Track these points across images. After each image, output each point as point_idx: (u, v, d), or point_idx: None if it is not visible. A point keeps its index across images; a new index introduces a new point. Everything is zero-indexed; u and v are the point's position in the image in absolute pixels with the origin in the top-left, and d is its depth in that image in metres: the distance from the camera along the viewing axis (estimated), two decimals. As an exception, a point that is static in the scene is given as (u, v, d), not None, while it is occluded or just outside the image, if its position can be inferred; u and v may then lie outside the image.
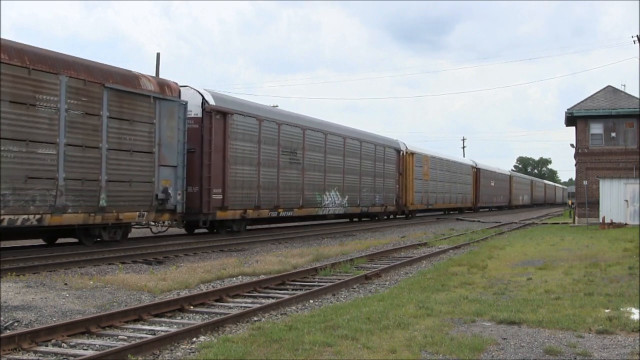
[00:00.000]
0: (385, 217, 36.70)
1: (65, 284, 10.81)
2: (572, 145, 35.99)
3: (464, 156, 74.65)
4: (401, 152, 37.00)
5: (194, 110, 19.79)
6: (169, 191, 17.73)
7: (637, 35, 33.75)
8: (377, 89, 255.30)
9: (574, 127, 35.55)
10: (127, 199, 16.35)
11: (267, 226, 26.29)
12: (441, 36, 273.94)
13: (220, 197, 20.31)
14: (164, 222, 19.27)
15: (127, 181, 16.30)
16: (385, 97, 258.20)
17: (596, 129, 33.34)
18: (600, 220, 29.37)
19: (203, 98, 20.03)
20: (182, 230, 22.51)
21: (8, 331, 7.54)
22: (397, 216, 38.95)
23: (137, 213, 16.73)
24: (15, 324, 7.95)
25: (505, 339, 7.08)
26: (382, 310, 8.68)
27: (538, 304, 9.09)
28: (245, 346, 6.63)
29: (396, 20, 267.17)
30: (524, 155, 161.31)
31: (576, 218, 34.97)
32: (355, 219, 34.23)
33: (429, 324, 7.82)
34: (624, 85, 41.45)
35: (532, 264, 14.54)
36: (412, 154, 38.73)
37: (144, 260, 14.90)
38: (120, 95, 16.09)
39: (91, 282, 11.15)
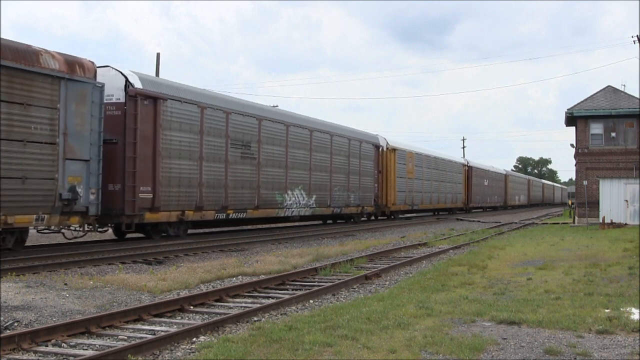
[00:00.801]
0: (365, 219, 34.36)
1: (65, 284, 10.81)
2: (572, 145, 36.01)
3: (463, 156, 73.82)
4: (380, 148, 34.12)
5: (116, 94, 17.11)
6: (78, 190, 14.97)
7: (637, 35, 33.80)
8: (378, 88, 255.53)
9: (574, 127, 35.58)
10: (20, 199, 13.70)
11: (213, 230, 24.19)
12: (442, 36, 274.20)
13: (150, 196, 17.61)
14: (82, 226, 16.09)
15: (19, 177, 13.61)
16: (386, 97, 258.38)
17: (596, 129, 33.35)
18: (600, 220, 29.37)
19: (127, 80, 17.24)
20: (106, 236, 19.76)
21: (8, 331, 7.55)
22: (379, 218, 36.58)
23: (35, 216, 14.06)
24: (15, 324, 7.95)
25: (505, 339, 7.09)
26: (382, 310, 8.68)
27: (538, 304, 9.10)
28: (245, 346, 6.63)
29: (397, 20, 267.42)
30: (524, 155, 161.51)
31: (576, 218, 34.97)
32: (329, 221, 32.20)
33: (429, 324, 7.82)
34: (624, 85, 41.55)
35: (532, 264, 14.55)
36: (394, 150, 35.79)
37: (144, 260, 14.90)
38: (11, 74, 13.46)
39: (91, 282, 11.15)
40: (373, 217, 35.74)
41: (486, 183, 58.78)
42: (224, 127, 20.84)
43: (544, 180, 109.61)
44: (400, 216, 39.60)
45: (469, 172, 53.13)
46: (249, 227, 26.06)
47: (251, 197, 22.21)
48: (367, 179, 32.17)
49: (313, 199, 26.42)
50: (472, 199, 53.74)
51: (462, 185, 51.40)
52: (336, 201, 28.80)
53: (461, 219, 41.25)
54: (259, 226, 26.83)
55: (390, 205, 35.26)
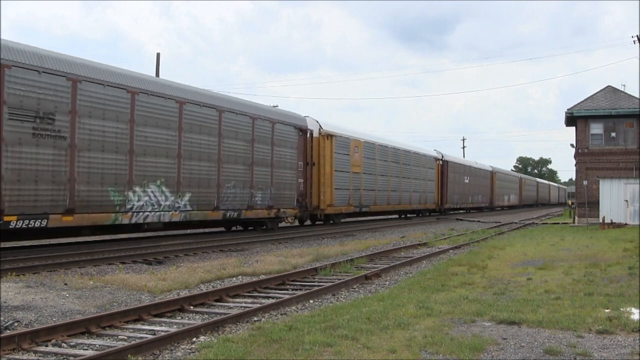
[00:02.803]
0: (291, 225, 28.06)
1: (65, 284, 10.81)
2: (572, 145, 36.02)
3: (463, 156, 72.90)
4: (309, 133, 26.36)
5: None
6: None
7: (637, 35, 33.81)
8: (378, 88, 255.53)
9: (574, 127, 35.59)
10: None
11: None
12: (442, 36, 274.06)
13: None
14: None
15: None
16: (386, 97, 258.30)
17: (596, 129, 33.37)
18: (600, 220, 29.37)
19: None
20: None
21: (8, 331, 7.55)
22: (316, 223, 29.72)
23: None
24: (15, 324, 7.95)
25: (505, 339, 7.09)
26: (382, 310, 8.68)
27: (538, 304, 9.10)
28: (245, 346, 6.63)
29: (397, 20, 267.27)
30: (524, 155, 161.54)
31: (576, 218, 34.97)
32: (222, 229, 24.45)
33: (429, 324, 7.82)
34: (624, 85, 41.53)
35: (532, 264, 14.55)
36: (331, 136, 28.22)
37: (144, 260, 14.90)
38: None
39: (91, 282, 11.15)
40: (298, 223, 28.46)
41: (467, 180, 51.68)
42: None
43: (538, 179, 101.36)
44: (344, 220, 31.72)
45: (443, 167, 45.61)
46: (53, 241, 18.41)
47: (58, 196, 14.83)
48: (286, 173, 24.33)
49: (185, 198, 18.77)
50: (448, 199, 46.43)
51: (435, 182, 43.85)
52: (229, 202, 20.88)
53: (461, 219, 41.20)
54: (76, 239, 18.39)
55: (326, 207, 27.76)
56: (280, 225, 26.45)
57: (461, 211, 52.58)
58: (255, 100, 26.79)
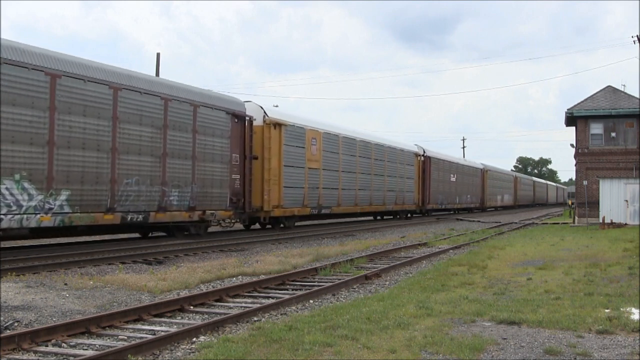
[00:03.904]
0: (230, 230, 23.43)
1: (65, 284, 10.81)
2: (572, 145, 36.04)
3: (463, 156, 71.89)
4: (248, 120, 21.86)
5: None
6: None
7: (637, 35, 33.81)
8: (378, 88, 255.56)
9: (574, 127, 35.60)
10: None
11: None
12: (443, 36, 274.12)
13: None
14: None
15: None
16: (386, 97, 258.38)
17: (596, 129, 33.38)
18: (600, 220, 29.38)
19: None
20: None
21: (8, 331, 7.55)
22: (267, 226, 25.53)
23: None
24: (15, 324, 7.95)
25: (505, 339, 7.09)
26: (382, 310, 8.68)
27: (538, 304, 9.10)
28: (245, 346, 6.63)
29: (397, 20, 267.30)
30: (524, 156, 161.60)
31: (576, 218, 34.98)
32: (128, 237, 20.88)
33: (429, 324, 7.82)
34: (624, 85, 41.53)
35: (532, 264, 14.55)
36: (279, 125, 23.87)
37: (144, 260, 14.91)
38: None
39: (91, 282, 11.15)
40: (231, 228, 23.50)
41: (453, 179, 47.52)
42: None
43: (535, 178, 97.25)
44: (298, 224, 27.48)
45: (425, 163, 41.44)
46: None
47: None
48: (214, 167, 20.23)
49: (62, 197, 14.90)
50: (431, 199, 42.21)
51: (415, 180, 39.62)
52: (130, 202, 16.85)
53: (461, 219, 41.21)
54: None
55: (272, 209, 23.44)
56: (212, 230, 22.45)
57: (447, 212, 48.93)
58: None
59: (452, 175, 47.15)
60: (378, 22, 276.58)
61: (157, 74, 33.49)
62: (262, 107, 23.53)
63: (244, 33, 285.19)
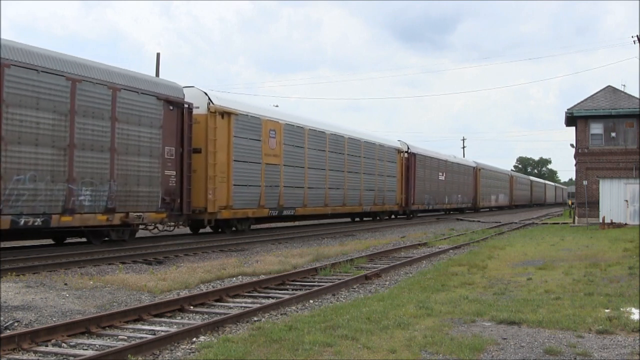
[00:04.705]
0: (160, 234, 19.70)
1: (65, 284, 10.82)
2: (572, 145, 36.04)
3: (463, 156, 71.42)
4: (187, 107, 19.08)
5: None
6: None
7: (637, 35, 33.81)
8: (378, 88, 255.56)
9: (574, 127, 35.61)
10: None
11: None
12: (443, 35, 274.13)
13: None
14: None
15: None
16: (386, 97, 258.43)
17: (596, 129, 33.39)
18: (600, 220, 29.38)
19: None
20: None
21: (8, 331, 7.55)
22: (215, 231, 22.65)
23: None
24: (15, 324, 7.95)
25: (505, 339, 7.09)
26: (382, 310, 8.68)
27: (538, 304, 9.10)
28: (245, 346, 6.63)
29: (397, 20, 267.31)
30: (524, 155, 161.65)
31: (576, 218, 35.00)
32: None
33: (429, 324, 7.82)
34: (624, 85, 41.53)
35: (532, 264, 14.55)
36: (227, 114, 20.90)
37: (144, 260, 14.91)
38: None
39: (91, 282, 11.16)
40: (165, 230, 19.83)
41: (442, 177, 44.71)
42: None
43: (532, 177, 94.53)
44: (254, 227, 24.24)
45: (409, 160, 38.42)
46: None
47: None
48: (141, 162, 17.35)
49: None
50: (416, 199, 39.24)
51: (397, 179, 36.81)
52: (22, 203, 14.05)
53: (461, 219, 41.20)
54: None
55: (218, 210, 20.52)
56: (140, 235, 19.43)
57: (436, 213, 46.26)
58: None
59: (440, 174, 44.33)
60: (378, 22, 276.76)
61: (157, 74, 33.49)
62: (206, 93, 20.57)
63: (244, 33, 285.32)
